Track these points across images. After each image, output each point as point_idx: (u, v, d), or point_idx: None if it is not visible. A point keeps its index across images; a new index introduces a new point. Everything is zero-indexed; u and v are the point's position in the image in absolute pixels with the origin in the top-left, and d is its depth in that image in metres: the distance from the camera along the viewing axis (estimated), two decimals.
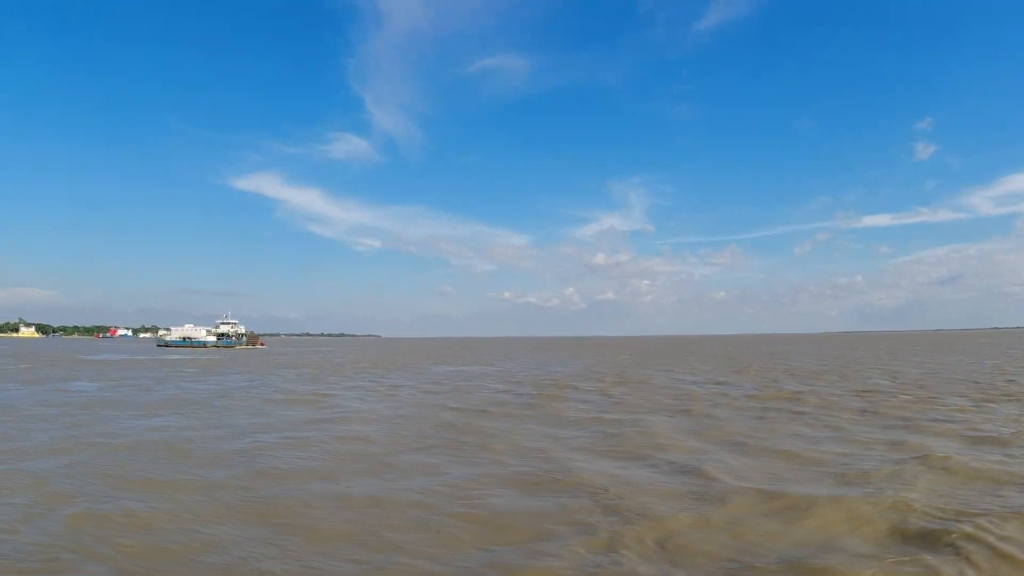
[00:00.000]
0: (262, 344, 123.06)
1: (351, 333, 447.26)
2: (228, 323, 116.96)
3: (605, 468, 11.43)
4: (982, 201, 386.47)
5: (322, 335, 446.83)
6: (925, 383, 27.75)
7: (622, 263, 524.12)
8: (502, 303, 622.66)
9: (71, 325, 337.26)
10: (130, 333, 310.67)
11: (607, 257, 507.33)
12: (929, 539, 7.27)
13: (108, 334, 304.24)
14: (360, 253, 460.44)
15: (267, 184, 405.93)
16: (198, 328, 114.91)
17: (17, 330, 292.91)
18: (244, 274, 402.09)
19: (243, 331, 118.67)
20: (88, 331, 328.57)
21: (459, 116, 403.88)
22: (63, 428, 16.19)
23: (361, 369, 45.32)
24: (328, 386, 29.90)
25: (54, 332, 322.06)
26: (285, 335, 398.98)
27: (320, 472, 11.25)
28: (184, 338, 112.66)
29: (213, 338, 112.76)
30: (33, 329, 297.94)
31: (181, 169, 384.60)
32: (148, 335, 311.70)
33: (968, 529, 7.37)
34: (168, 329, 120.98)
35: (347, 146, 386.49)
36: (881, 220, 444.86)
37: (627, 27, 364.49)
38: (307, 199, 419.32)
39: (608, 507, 8.84)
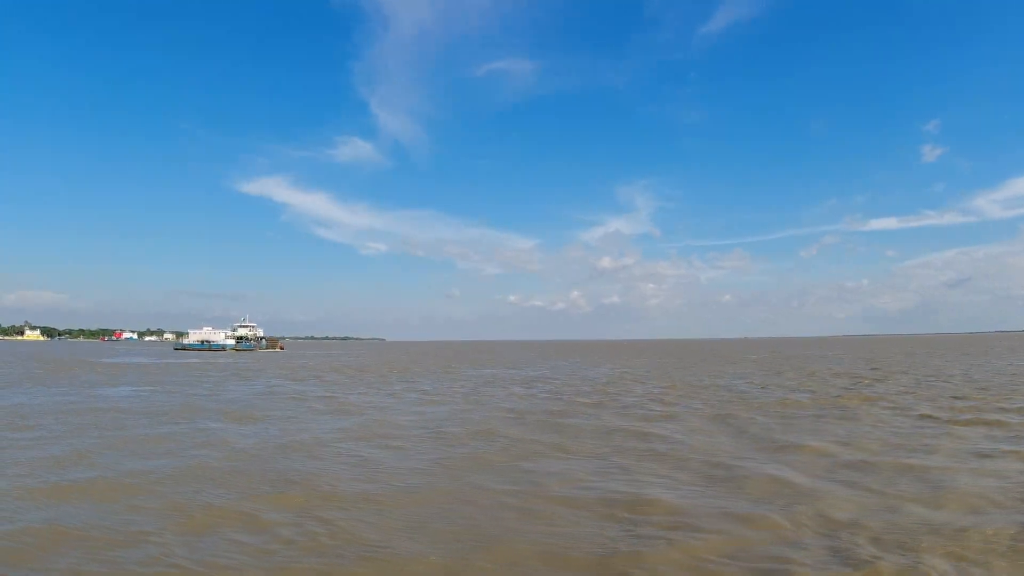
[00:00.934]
0: (282, 347, 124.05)
1: (356, 336, 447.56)
2: (246, 326, 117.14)
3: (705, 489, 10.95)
4: (989, 204, 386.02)
5: (327, 338, 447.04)
6: (986, 387, 27.16)
7: (628, 266, 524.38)
8: (508, 306, 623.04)
9: (76, 328, 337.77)
10: (135, 336, 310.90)
11: (613, 260, 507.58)
12: None
13: (114, 337, 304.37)
14: (367, 257, 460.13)
15: (274, 188, 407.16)
16: (217, 331, 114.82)
17: (22, 333, 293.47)
18: (251, 277, 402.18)
19: (261, 334, 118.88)
20: (93, 334, 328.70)
21: (466, 119, 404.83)
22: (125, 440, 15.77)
23: (388, 373, 44.86)
24: (372, 391, 29.45)
25: (59, 335, 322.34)
26: (291, 338, 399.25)
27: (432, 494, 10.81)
28: (203, 341, 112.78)
29: (232, 341, 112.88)
30: (38, 332, 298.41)
31: (188, 172, 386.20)
32: (154, 338, 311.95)
33: None
34: (186, 332, 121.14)
35: (354, 150, 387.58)
36: (888, 223, 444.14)
37: (634, 29, 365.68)
38: (314, 203, 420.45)
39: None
